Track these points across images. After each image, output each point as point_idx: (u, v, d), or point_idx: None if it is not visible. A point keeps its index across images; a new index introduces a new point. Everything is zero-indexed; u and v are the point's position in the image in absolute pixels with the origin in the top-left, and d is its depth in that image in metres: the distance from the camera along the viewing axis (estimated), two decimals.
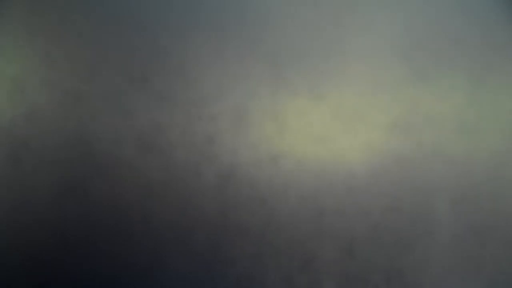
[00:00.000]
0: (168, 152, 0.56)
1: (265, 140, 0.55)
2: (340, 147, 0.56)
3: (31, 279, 0.57)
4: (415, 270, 0.56)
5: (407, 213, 0.56)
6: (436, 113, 0.56)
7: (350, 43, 0.56)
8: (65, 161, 0.56)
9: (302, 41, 0.56)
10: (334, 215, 0.55)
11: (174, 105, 0.56)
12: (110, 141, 0.56)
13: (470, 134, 0.56)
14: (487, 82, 0.57)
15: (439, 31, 0.57)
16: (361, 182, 0.55)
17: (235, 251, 0.55)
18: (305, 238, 0.55)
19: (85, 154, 0.56)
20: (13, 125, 0.57)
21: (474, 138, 0.56)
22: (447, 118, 0.56)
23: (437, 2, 0.57)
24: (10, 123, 0.57)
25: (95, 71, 0.57)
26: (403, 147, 0.56)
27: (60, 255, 0.56)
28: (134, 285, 0.55)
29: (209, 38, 0.56)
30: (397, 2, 0.57)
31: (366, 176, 0.55)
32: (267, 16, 0.57)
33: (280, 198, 0.55)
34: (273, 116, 0.55)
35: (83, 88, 0.57)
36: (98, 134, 0.56)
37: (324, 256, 0.55)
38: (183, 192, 0.55)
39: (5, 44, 0.58)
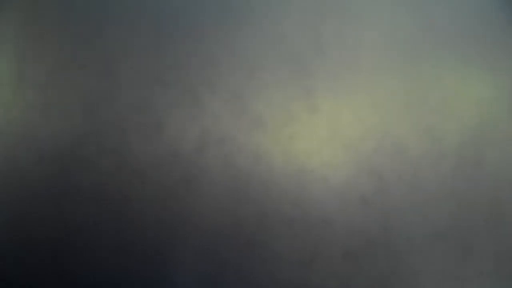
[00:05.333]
0: (173, 157, 0.56)
1: (277, 146, 0.55)
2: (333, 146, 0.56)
3: (31, 280, 0.57)
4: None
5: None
6: (432, 109, 0.56)
7: (350, 37, 0.56)
8: (72, 161, 0.56)
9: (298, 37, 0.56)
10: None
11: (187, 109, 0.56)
12: (118, 141, 0.56)
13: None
14: (480, 75, 0.57)
15: (436, 26, 0.57)
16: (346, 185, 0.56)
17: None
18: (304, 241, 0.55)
19: (93, 155, 0.56)
20: (19, 126, 0.57)
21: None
22: (443, 115, 0.56)
23: None
24: (16, 123, 0.57)
25: (97, 71, 0.57)
26: (402, 144, 0.56)
27: (62, 256, 0.56)
28: (136, 286, 0.56)
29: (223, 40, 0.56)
30: None
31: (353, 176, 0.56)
32: (267, 13, 0.57)
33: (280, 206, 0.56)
34: (285, 120, 0.55)
35: (82, 86, 0.57)
36: (106, 135, 0.56)
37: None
38: (189, 198, 0.55)
39: (8, 44, 0.58)
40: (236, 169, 0.55)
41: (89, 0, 0.58)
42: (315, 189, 0.55)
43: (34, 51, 0.58)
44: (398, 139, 0.56)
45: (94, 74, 0.57)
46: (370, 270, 0.55)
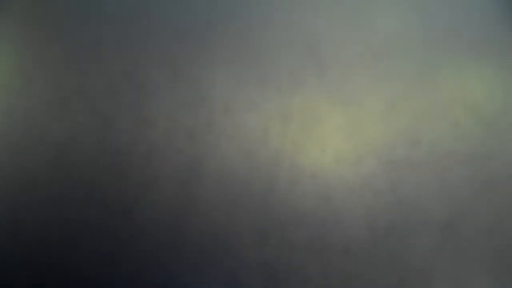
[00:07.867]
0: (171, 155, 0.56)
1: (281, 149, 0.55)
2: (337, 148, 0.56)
3: (32, 278, 0.56)
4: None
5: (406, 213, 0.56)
6: (433, 108, 0.57)
7: (351, 39, 0.57)
8: (77, 162, 0.56)
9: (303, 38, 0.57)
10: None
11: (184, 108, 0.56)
12: (125, 142, 0.56)
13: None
14: (483, 76, 0.57)
15: (437, 26, 0.57)
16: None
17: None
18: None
19: (97, 155, 0.56)
20: (22, 127, 0.57)
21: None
22: (444, 114, 0.57)
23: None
24: (19, 124, 0.57)
25: (97, 71, 0.57)
26: (404, 146, 0.56)
27: (63, 255, 0.56)
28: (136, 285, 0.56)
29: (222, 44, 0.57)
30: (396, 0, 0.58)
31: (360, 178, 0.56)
32: (267, 14, 0.57)
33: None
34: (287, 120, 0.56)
35: (87, 88, 0.57)
36: (111, 135, 0.56)
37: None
38: (185, 197, 0.55)
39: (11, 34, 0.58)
40: (249, 158, 0.55)
41: (90, 0, 0.58)
42: (326, 175, 0.55)
43: (34, 51, 0.58)
44: (414, 133, 0.56)
45: (95, 73, 0.57)
46: (379, 265, 0.56)
